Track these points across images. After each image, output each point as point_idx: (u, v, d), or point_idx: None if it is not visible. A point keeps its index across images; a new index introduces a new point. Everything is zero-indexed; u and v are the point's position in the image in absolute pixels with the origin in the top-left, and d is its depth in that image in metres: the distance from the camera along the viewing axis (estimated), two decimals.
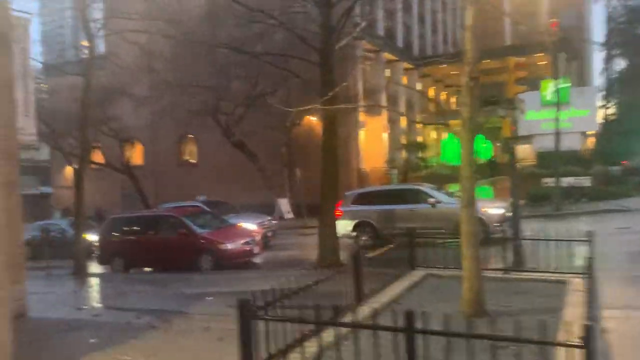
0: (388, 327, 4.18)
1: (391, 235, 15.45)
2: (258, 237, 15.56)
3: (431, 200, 14.72)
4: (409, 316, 3.87)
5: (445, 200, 14.90)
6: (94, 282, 13.81)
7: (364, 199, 15.81)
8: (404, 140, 31.94)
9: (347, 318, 5.60)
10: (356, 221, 15.58)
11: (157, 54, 25.37)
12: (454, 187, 23.98)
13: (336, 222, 16.12)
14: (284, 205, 27.74)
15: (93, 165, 33.63)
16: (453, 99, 48.58)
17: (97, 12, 21.33)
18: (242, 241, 14.68)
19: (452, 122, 42.13)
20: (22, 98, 9.46)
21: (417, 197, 15.22)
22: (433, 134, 41.91)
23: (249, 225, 17.53)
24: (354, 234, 15.69)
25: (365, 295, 7.43)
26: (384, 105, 31.86)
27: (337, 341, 4.87)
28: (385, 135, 33.43)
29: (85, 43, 18.94)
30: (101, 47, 29.99)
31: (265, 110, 25.82)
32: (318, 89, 25.38)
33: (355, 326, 4.32)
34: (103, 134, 29.02)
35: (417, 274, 9.17)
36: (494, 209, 14.35)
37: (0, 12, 8.26)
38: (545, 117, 26.55)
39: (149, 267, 15.85)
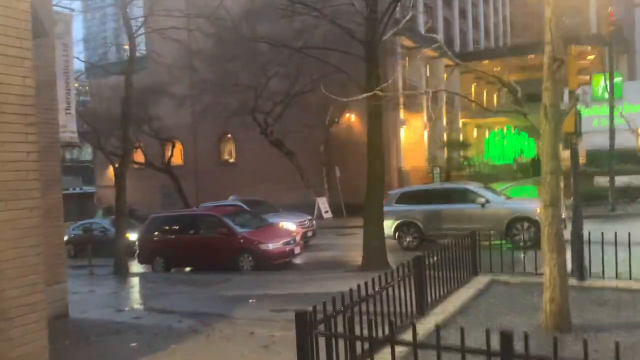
0: (479, 349, 3.52)
1: (439, 237, 14.94)
2: (298, 237, 15.19)
3: (481, 200, 14.01)
4: (507, 338, 3.19)
5: (494, 200, 14.17)
6: (135, 282, 13.69)
7: (409, 198, 15.21)
8: (445, 139, 30.99)
9: (416, 332, 4.96)
10: (400, 221, 15.00)
11: (197, 52, 25.43)
12: (498, 186, 23.14)
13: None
14: (323, 204, 27.34)
15: (134, 165, 34.16)
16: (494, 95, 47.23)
17: (138, 10, 21.47)
18: (283, 241, 14.32)
19: (495, 119, 40.87)
20: (64, 95, 9.31)
21: (466, 196, 14.53)
22: (474, 133, 40.78)
23: (289, 224, 17.19)
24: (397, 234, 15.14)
25: (428, 305, 6.82)
26: (425, 101, 31.10)
27: None
28: (425, 134, 32.63)
29: (126, 43, 19.01)
30: (142, 46, 30.46)
31: (303, 108, 25.57)
32: (357, 86, 24.99)
33: (439, 348, 3.62)
34: (144, 133, 29.30)
35: (482, 280, 8.45)
36: None
37: (42, 7, 8.09)
38: (597, 114, 25.29)
39: (189, 266, 15.69)
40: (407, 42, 29.96)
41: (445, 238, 15.08)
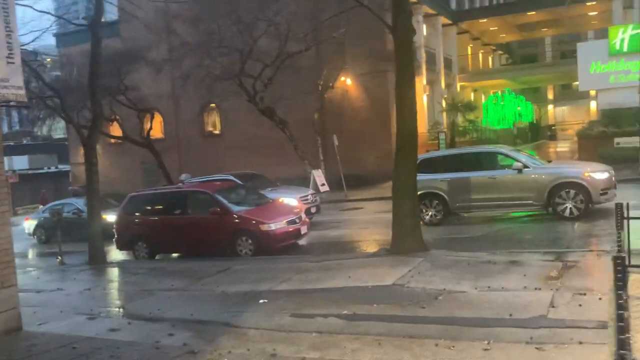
0: None
1: (467, 209, 12.97)
2: (303, 215, 13.08)
3: (517, 164, 11.98)
4: None
5: (533, 165, 12.17)
6: (113, 274, 11.49)
7: (431, 165, 13.09)
8: (447, 102, 28.83)
9: None
10: (420, 192, 12.82)
11: (175, 12, 22.90)
12: None
13: None
14: (319, 177, 25.14)
15: (111, 140, 31.58)
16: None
17: None
18: (287, 220, 12.19)
19: (492, 82, 38.85)
20: (2, 38, 6.96)
21: (498, 161, 12.51)
22: (471, 97, 38.72)
23: (290, 200, 15.08)
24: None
25: None
26: (424, 63, 28.88)
27: None
28: (424, 98, 30.46)
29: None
30: (114, 13, 27.68)
31: (295, 72, 23.19)
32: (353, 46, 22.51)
33: None
34: (120, 104, 26.71)
35: None
36: (598, 173, 11.58)
37: None
38: (614, 69, 23.32)
39: (176, 252, 13.57)
40: None
41: (474, 211, 13.23)
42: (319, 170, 25.21)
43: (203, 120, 31.59)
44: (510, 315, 5.47)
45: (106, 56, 23.84)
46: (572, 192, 11.45)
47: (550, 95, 52.39)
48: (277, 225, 11.90)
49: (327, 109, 26.14)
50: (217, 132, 31.47)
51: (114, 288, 9.61)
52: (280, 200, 14.41)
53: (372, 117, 26.03)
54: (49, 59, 34.78)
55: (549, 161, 13.52)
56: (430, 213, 12.95)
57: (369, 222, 15.39)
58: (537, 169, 12.05)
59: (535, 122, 46.32)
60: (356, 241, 12.52)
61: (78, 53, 25.03)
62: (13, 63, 7.16)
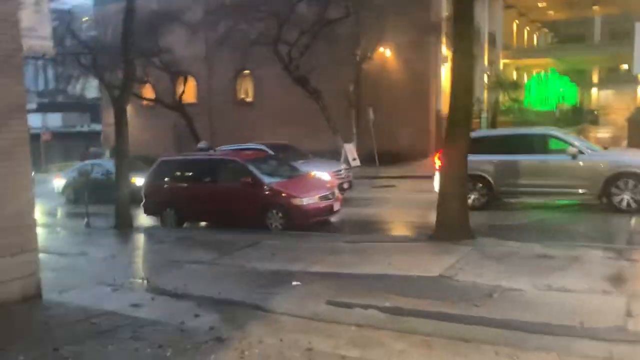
0: None
1: (512, 194, 12.15)
2: (337, 191, 12.46)
3: (572, 149, 11.06)
4: None
5: (589, 150, 11.24)
6: (139, 240, 11.14)
7: (476, 145, 12.12)
8: (492, 79, 27.48)
9: None
10: None
11: None
12: None
13: (437, 174, 12.95)
14: (350, 151, 24.41)
15: (144, 102, 31.31)
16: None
17: None
18: (320, 195, 11.59)
19: (536, 60, 37.16)
20: None
21: (551, 145, 11.60)
22: (513, 75, 37.14)
23: (322, 174, 14.46)
24: None
25: None
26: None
27: None
28: None
29: None
30: None
31: (331, 41, 22.31)
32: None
33: None
34: (154, 66, 26.30)
35: None
36: None
37: None
38: None
39: (204, 221, 13.16)
40: None
41: (521, 197, 12.41)
42: (352, 144, 24.48)
43: (236, 87, 30.97)
44: (581, 323, 4.79)
45: (141, 16, 23.36)
46: (632, 182, 10.53)
47: (595, 79, 50.15)
48: (309, 200, 11.32)
49: (363, 81, 25.17)
50: (249, 99, 30.86)
51: (138, 256, 9.23)
52: (312, 173, 13.82)
53: (410, 92, 24.98)
54: (85, 18, 34.58)
55: (605, 148, 12.55)
56: (472, 197, 12.13)
57: (403, 202, 14.70)
58: (593, 155, 11.11)
59: (578, 105, 44.35)
60: (391, 222, 11.88)
61: (114, 12, 24.53)
62: (39, 13, 6.63)
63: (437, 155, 13.02)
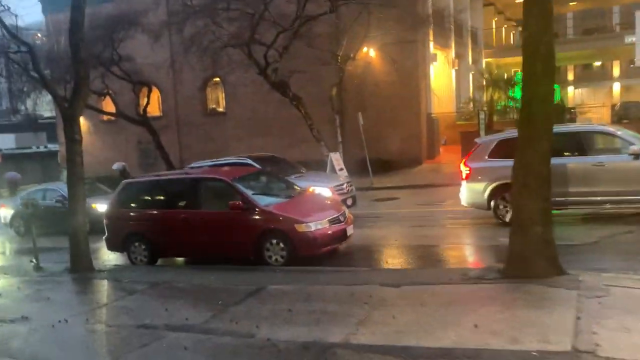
0: None
1: (560, 206, 10.06)
2: (347, 211, 10.19)
3: (634, 148, 9.12)
4: None
5: None
6: (101, 291, 8.55)
7: (510, 148, 10.14)
8: (486, 77, 25.72)
9: None
10: (497, 183, 10.10)
11: None
12: None
13: (465, 184, 10.86)
14: (337, 160, 22.20)
15: (104, 117, 28.49)
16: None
17: None
18: (329, 217, 9.30)
19: (518, 59, 36.10)
20: None
21: (604, 143, 9.69)
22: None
23: (322, 190, 12.22)
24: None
25: None
26: (453, 33, 25.81)
27: None
28: (453, 73, 27.45)
29: None
30: None
31: (310, 41, 20.20)
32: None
33: None
34: (114, 75, 23.69)
35: None
36: None
37: None
38: None
39: (184, 256, 10.72)
40: None
41: (570, 207, 10.41)
42: (337, 153, 22.26)
43: (205, 96, 28.44)
44: None
45: (97, 21, 20.90)
46: None
47: (571, 76, 49.52)
48: (317, 224, 9.02)
49: (346, 84, 23.07)
50: (220, 109, 28.37)
51: (100, 320, 6.68)
52: (312, 190, 11.54)
53: (399, 94, 22.98)
54: (37, 34, 31.73)
55: None
56: (509, 208, 10.08)
57: (417, 218, 12.56)
58: None
59: (561, 103, 43.45)
60: (419, 247, 9.58)
61: (65, 20, 21.90)
62: None
63: (463, 161, 10.96)
